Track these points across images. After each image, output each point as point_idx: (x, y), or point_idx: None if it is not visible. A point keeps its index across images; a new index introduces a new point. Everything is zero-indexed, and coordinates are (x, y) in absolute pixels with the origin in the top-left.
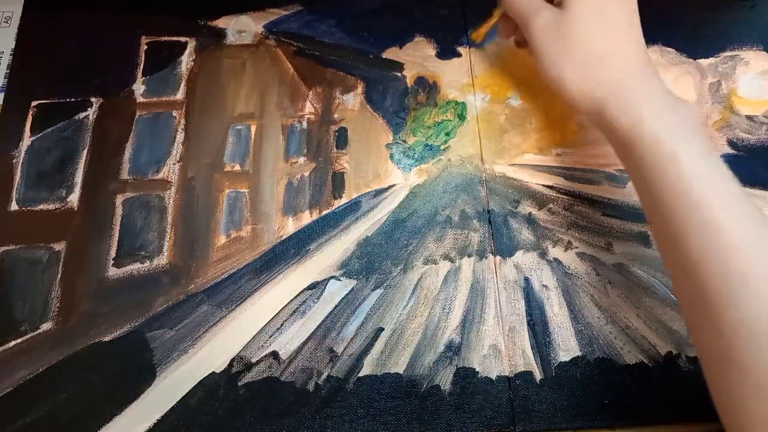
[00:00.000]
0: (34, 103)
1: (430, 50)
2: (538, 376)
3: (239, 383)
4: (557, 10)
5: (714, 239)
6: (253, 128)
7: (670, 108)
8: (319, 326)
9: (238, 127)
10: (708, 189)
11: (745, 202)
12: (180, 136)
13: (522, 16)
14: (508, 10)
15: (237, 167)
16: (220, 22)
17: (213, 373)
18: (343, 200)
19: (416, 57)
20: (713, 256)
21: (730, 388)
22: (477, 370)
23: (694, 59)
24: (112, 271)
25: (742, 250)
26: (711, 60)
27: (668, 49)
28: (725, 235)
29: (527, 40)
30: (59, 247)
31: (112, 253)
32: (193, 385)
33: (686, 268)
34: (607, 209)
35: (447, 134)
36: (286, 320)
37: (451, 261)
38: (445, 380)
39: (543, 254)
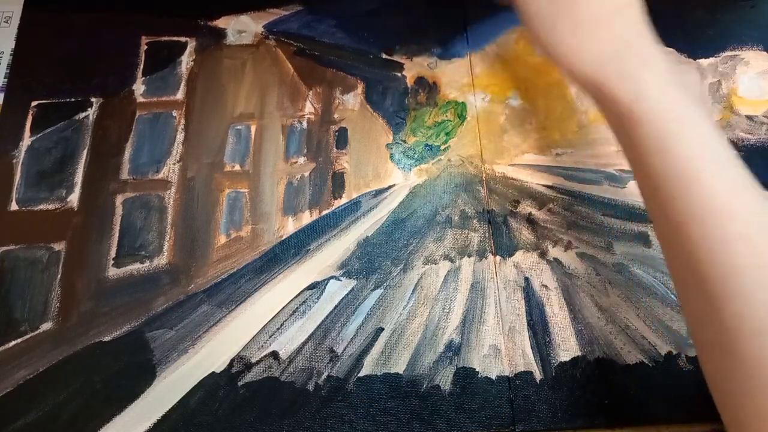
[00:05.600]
0: (34, 103)
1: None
2: (538, 376)
3: (239, 383)
4: None
5: (722, 228)
6: (253, 128)
7: (675, 79)
8: (319, 326)
9: (238, 127)
10: (718, 174)
11: (752, 189)
12: (180, 136)
13: None
14: None
15: (237, 167)
16: (220, 22)
17: (213, 373)
18: (343, 200)
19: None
20: (720, 245)
21: (733, 384)
22: (477, 370)
23: (694, 59)
24: (112, 271)
25: (753, 240)
26: (711, 60)
27: (668, 49)
28: (735, 223)
29: (515, 6)
30: (59, 247)
31: (112, 253)
32: (193, 385)
33: (688, 257)
34: (607, 209)
35: (447, 134)
36: (286, 320)
37: (451, 261)
38: (445, 380)
39: (543, 254)
